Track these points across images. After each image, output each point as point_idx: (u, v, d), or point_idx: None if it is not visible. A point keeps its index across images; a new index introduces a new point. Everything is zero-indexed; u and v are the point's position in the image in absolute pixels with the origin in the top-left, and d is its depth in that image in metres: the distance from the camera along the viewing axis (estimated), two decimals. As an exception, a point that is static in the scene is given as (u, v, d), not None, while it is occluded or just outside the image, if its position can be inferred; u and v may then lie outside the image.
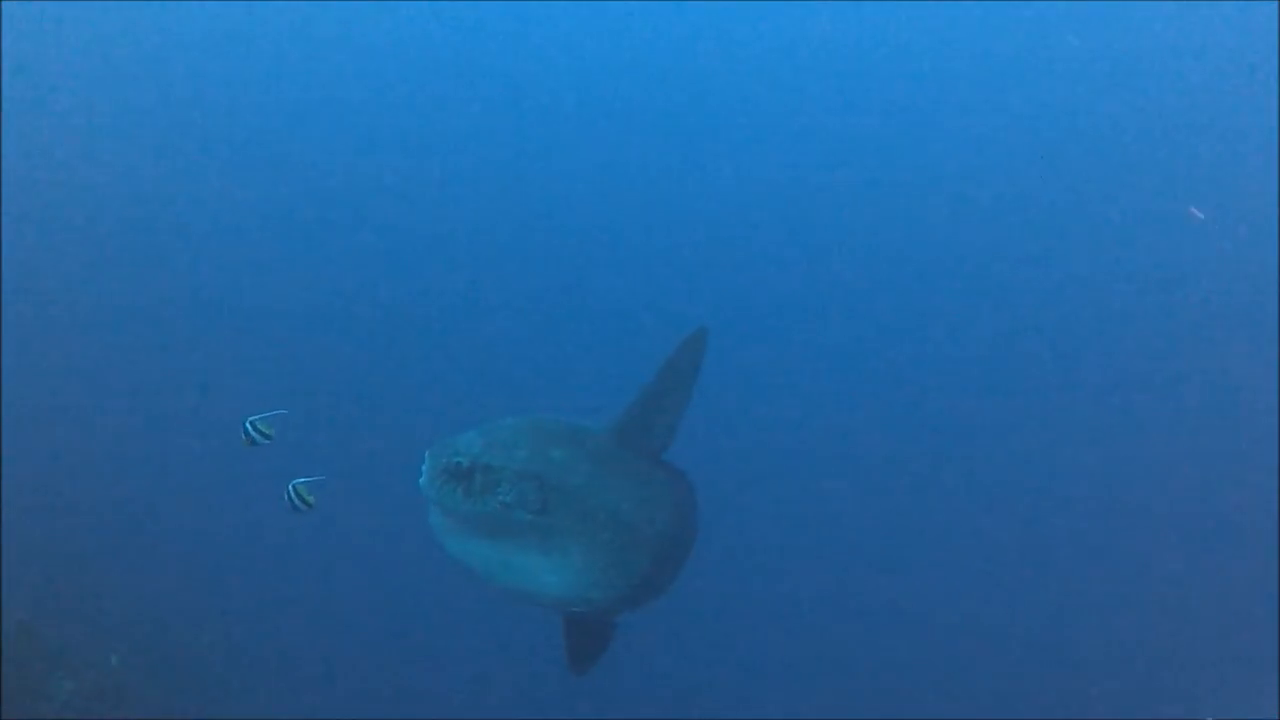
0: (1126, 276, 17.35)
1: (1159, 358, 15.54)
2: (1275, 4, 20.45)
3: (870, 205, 18.65)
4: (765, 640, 10.28)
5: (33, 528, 9.03)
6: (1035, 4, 23.26)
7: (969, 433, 13.59)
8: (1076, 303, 16.57)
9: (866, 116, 21.29)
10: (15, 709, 6.62)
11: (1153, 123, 20.93)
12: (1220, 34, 22.32)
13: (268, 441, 4.30)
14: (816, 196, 18.84)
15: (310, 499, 4.34)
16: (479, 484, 4.38)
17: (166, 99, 18.55)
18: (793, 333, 14.90)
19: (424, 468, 4.51)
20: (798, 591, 10.76)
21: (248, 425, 4.28)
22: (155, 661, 8.46)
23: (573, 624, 4.91)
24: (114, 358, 11.69)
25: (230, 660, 9.03)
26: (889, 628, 10.74)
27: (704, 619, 9.69)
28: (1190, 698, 10.03)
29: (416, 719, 8.53)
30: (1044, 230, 18.34)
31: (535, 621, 5.26)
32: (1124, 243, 18.23)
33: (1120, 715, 10.04)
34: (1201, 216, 17.17)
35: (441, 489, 4.44)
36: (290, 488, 4.33)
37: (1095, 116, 20.96)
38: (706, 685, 9.78)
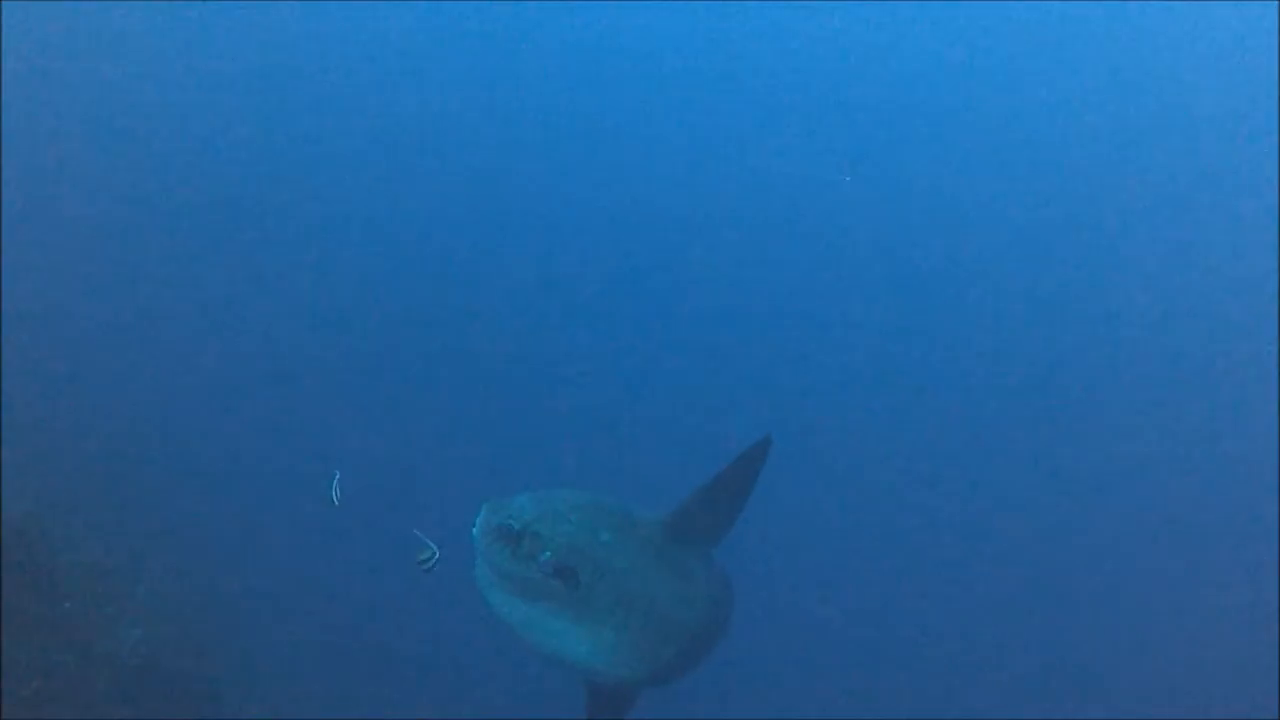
0: (1126, 276, 17.39)
1: (1160, 357, 15.58)
2: (1275, 4, 20.46)
3: (869, 207, 18.65)
4: (768, 641, 10.32)
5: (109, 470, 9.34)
6: (1037, 4, 23.24)
7: (967, 434, 13.62)
8: (1075, 304, 16.59)
9: (867, 117, 21.28)
10: (83, 649, 6.68)
11: (1153, 123, 20.95)
12: (1220, 34, 22.32)
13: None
14: (817, 198, 18.81)
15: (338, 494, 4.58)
16: (525, 548, 4.50)
17: (167, 99, 18.52)
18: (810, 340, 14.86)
19: (478, 519, 4.65)
20: (801, 595, 10.80)
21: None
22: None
23: (596, 691, 5.04)
24: (124, 367, 11.63)
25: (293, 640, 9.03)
26: (888, 627, 10.79)
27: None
28: (1191, 698, 10.08)
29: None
30: (1048, 231, 18.37)
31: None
32: (1123, 242, 18.27)
33: (1121, 715, 10.09)
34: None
35: (490, 545, 4.57)
36: (335, 482, 4.59)
37: (1097, 116, 20.97)
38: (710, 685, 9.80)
